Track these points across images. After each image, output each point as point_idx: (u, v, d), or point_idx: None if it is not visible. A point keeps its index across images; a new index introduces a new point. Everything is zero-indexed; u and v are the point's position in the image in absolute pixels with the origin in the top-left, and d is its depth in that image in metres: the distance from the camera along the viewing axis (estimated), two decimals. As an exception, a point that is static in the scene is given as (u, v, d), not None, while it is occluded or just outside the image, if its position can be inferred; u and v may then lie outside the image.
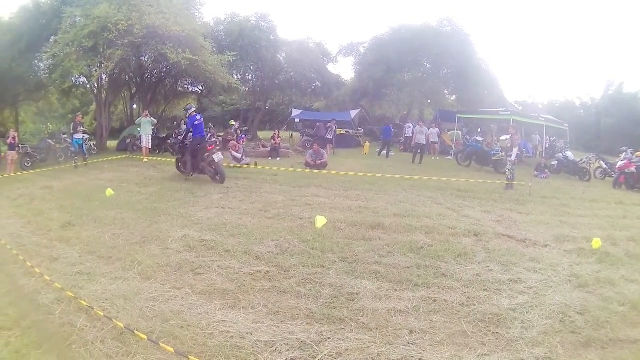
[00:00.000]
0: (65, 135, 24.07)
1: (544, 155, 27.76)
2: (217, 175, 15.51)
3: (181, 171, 16.52)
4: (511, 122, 24.30)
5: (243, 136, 28.41)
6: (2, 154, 19.24)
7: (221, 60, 27.31)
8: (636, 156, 20.99)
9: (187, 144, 16.02)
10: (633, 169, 20.06)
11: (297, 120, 37.13)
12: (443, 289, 6.57)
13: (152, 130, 26.28)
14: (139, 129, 24.45)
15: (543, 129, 30.31)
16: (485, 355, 4.87)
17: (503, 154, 20.75)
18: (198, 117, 15.81)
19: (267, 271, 7.17)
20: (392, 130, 31.01)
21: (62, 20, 23.92)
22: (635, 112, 46.01)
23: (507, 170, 17.23)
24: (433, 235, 9.26)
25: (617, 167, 21.43)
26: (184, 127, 29.57)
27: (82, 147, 21.22)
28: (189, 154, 15.71)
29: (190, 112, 16.04)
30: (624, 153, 21.95)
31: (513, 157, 17.26)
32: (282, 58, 39.37)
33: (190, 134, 15.94)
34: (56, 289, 6.21)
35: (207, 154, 15.32)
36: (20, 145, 21.20)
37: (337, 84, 42.03)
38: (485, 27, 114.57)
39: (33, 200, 13.02)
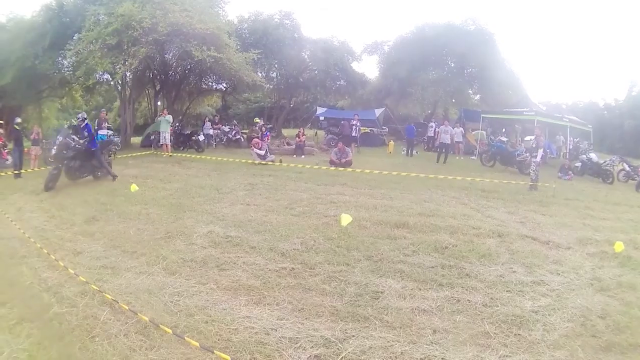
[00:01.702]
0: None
1: (567, 156, 27.57)
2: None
3: (75, 178, 15.24)
4: (535, 123, 24.18)
5: (267, 133, 28.50)
6: (26, 149, 19.56)
7: (245, 58, 27.42)
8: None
9: (93, 149, 15.37)
10: (656, 172, 19.88)
11: (321, 118, 37.12)
12: (467, 289, 6.61)
13: (177, 126, 26.64)
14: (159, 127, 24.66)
15: (567, 130, 30.04)
16: (507, 356, 4.91)
17: (527, 154, 20.63)
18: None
19: (292, 268, 7.25)
20: (415, 129, 30.99)
21: (86, 18, 24.08)
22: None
23: (531, 171, 17.15)
24: (457, 236, 9.28)
25: (639, 169, 21.24)
26: (208, 124, 29.82)
27: (106, 143, 21.56)
28: (99, 157, 15.67)
29: (86, 121, 15.77)
30: (646, 155, 21.79)
31: (538, 159, 17.18)
32: (306, 56, 39.35)
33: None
34: (80, 282, 6.34)
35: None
36: (44, 141, 21.50)
37: (361, 83, 41.90)
38: (509, 27, 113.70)
39: (57, 194, 13.20)
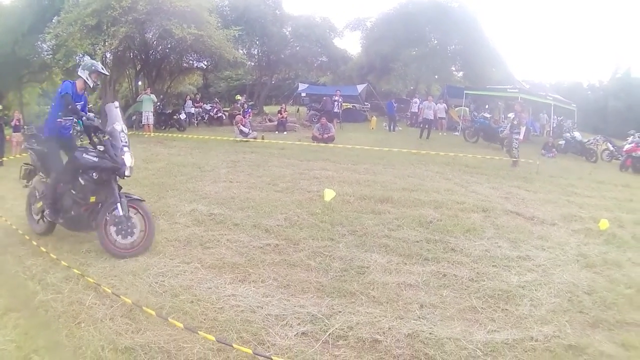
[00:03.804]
0: (71, 115, 24.10)
1: (551, 134, 27.75)
2: None
3: None
4: (519, 100, 24.24)
5: (249, 110, 28.41)
6: (8, 137, 19.32)
7: (226, 35, 27.19)
8: (643, 140, 21.05)
9: None
10: (640, 152, 20.11)
11: (303, 94, 37.10)
12: (452, 264, 6.61)
13: (158, 106, 26.34)
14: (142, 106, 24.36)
15: (551, 108, 30.20)
16: (495, 331, 4.88)
17: (508, 131, 20.67)
18: None
19: (277, 244, 7.20)
20: (394, 105, 31.16)
21: (64, 0, 23.75)
22: (644, 96, 45.70)
23: (513, 148, 17.14)
24: (442, 210, 9.31)
25: (624, 150, 21.53)
26: (189, 102, 29.55)
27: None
28: None
29: None
30: (631, 136, 21.98)
31: (521, 136, 17.24)
32: (288, 32, 39.10)
33: None
34: (64, 268, 6.19)
35: None
36: (25, 127, 21.24)
37: (343, 59, 41.81)
38: (493, 5, 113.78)
39: (39, 180, 12.98)
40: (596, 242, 8.25)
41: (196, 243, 7.25)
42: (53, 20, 24.94)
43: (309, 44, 37.69)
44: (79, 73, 7.34)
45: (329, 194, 9.74)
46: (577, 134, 24.28)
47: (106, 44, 23.75)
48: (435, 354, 4.39)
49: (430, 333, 4.72)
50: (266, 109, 39.41)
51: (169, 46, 30.88)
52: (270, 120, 28.03)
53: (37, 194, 7.53)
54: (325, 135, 20.06)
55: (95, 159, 6.85)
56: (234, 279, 5.98)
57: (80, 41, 22.92)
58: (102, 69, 7.45)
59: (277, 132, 25.11)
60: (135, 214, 6.95)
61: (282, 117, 26.50)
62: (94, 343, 4.46)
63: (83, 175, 6.87)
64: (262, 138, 20.55)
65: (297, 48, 38.84)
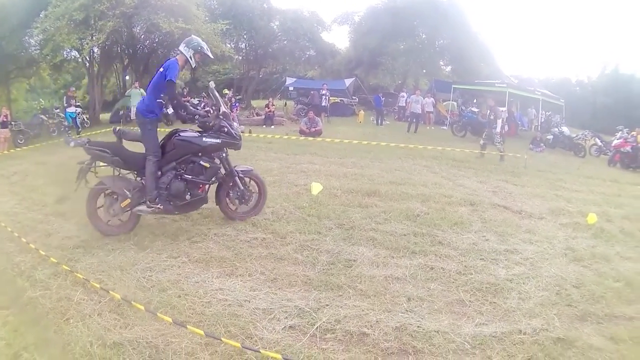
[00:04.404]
0: (58, 110, 23.99)
1: (539, 129, 27.88)
2: None
3: None
4: (507, 95, 24.31)
5: (237, 105, 28.29)
6: None
7: (214, 29, 27.02)
8: (631, 135, 21.18)
9: None
10: (628, 148, 20.41)
11: (291, 88, 37.05)
12: (440, 257, 6.60)
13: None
14: (130, 101, 24.29)
15: (539, 103, 30.34)
16: (483, 324, 4.87)
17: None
18: None
19: (264, 238, 7.16)
20: (382, 99, 31.47)
21: (52, -6, 23.49)
22: (632, 92, 46.22)
23: (497, 143, 17.18)
24: (429, 204, 9.30)
25: (612, 145, 21.82)
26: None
27: (75, 121, 21.40)
28: None
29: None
30: (620, 132, 22.18)
31: (498, 129, 17.29)
32: (275, 26, 38.95)
33: None
34: (52, 264, 6.13)
35: None
36: (12, 123, 21.07)
37: (331, 53, 41.85)
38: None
39: (27, 176, 12.78)
40: (584, 236, 8.27)
41: (183, 237, 7.20)
42: (41, 15, 24.68)
43: (296, 38, 37.66)
44: (181, 49, 7.27)
45: (316, 188, 9.71)
46: (565, 129, 24.50)
47: (94, 38, 23.73)
48: (423, 347, 4.39)
49: (418, 326, 4.72)
50: (254, 103, 39.28)
51: (157, 40, 30.87)
52: (257, 114, 27.93)
53: (126, 193, 7.34)
54: (313, 129, 20.10)
55: (219, 140, 7.40)
56: (221, 273, 5.96)
57: (68, 36, 22.66)
58: (208, 50, 7.46)
59: (264, 126, 25.07)
60: (250, 181, 8.02)
61: (270, 111, 26.54)
62: (82, 339, 4.43)
63: (203, 158, 7.37)
64: (250, 132, 20.45)
65: (285, 42, 38.83)
